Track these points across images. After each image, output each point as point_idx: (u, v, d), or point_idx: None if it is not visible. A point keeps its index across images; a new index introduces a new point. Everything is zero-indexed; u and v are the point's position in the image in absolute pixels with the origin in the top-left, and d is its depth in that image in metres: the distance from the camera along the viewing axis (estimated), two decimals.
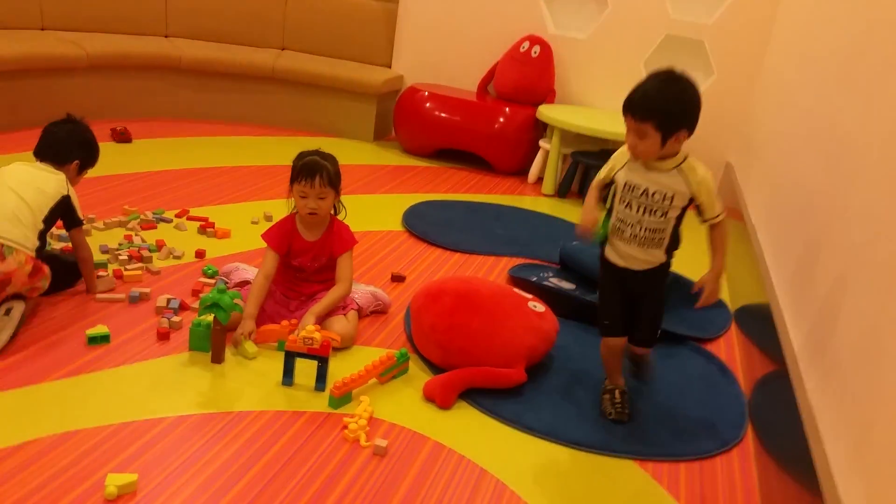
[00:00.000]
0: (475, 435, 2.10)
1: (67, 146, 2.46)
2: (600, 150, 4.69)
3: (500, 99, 4.99)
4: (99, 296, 2.51)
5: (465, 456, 2.00)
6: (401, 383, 2.29)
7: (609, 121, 4.62)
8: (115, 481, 1.65)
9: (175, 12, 5.14)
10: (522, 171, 4.88)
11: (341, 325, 2.43)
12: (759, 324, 2.71)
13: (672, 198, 2.06)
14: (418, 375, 2.34)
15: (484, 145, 4.78)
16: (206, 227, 3.17)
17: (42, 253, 2.31)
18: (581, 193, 4.61)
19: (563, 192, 4.59)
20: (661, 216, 2.09)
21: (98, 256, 2.75)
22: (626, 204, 2.13)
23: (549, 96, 4.98)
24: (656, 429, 2.27)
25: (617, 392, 2.29)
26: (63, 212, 2.38)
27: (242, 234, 3.22)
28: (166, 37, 5.12)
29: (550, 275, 3.26)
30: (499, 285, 2.63)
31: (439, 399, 2.19)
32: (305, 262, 2.50)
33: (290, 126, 5.11)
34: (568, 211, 4.33)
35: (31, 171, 2.37)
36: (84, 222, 2.47)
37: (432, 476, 1.90)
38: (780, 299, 2.52)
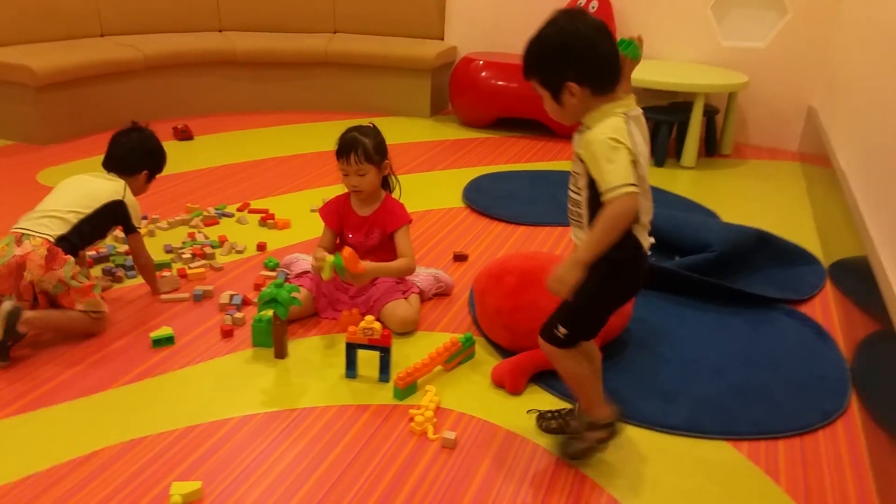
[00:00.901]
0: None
1: (134, 157, 2.47)
2: (670, 104, 4.45)
3: None
4: (164, 296, 2.51)
5: (540, 445, 1.89)
6: (467, 369, 2.19)
7: (677, 72, 4.37)
8: (179, 490, 1.62)
9: (227, 6, 5.13)
10: None
11: (403, 309, 2.35)
12: (858, 280, 2.48)
13: (575, 162, 1.63)
14: (486, 360, 2.24)
15: (544, 110, 4.56)
16: (266, 219, 3.14)
17: (73, 246, 2.24)
18: (652, 152, 4.38)
19: None
20: (575, 184, 1.65)
21: (163, 256, 2.76)
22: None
23: None
24: (749, 404, 2.10)
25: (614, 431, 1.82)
26: (116, 216, 2.36)
27: (302, 223, 3.18)
28: (220, 31, 5.12)
29: None
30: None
31: (509, 384, 2.08)
32: (358, 238, 2.45)
33: (346, 109, 5.05)
34: None
35: (85, 179, 2.39)
36: (139, 229, 2.44)
37: (506, 467, 1.80)
38: (879, 252, 2.29)
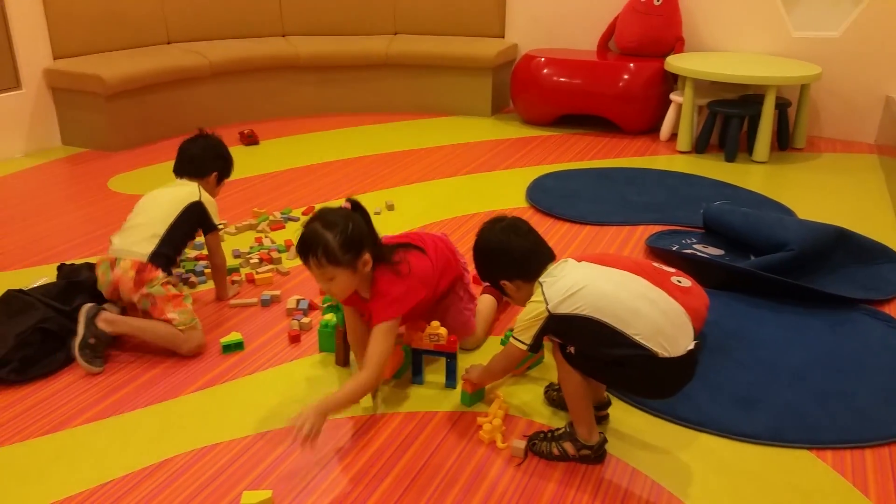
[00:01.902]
0: (623, 430, 1.93)
1: (203, 161, 2.51)
2: (741, 98, 4.30)
3: (623, 55, 4.69)
4: (232, 302, 2.54)
5: (614, 454, 1.83)
6: (536, 375, 2.15)
7: (747, 65, 4.23)
8: (250, 499, 1.63)
9: (290, 10, 5.19)
10: (653, 130, 4.57)
11: (469, 342, 2.26)
12: None
13: None
14: (551, 366, 2.18)
15: (609, 106, 4.50)
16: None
17: (167, 258, 2.29)
18: (721, 146, 4.25)
19: (701, 147, 4.24)
20: None
21: (231, 261, 2.80)
22: None
23: (677, 45, 4.61)
24: (833, 411, 2.00)
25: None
26: (197, 217, 2.39)
27: None
28: (283, 36, 5.19)
29: (694, 241, 3.00)
30: (635, 260, 2.42)
31: None
32: (366, 319, 2.05)
33: (407, 110, 5.05)
34: (708, 167, 3.99)
35: (162, 191, 2.45)
36: (218, 228, 2.48)
37: (578, 478, 1.75)
38: None
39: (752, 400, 2.04)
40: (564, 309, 1.68)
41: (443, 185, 3.65)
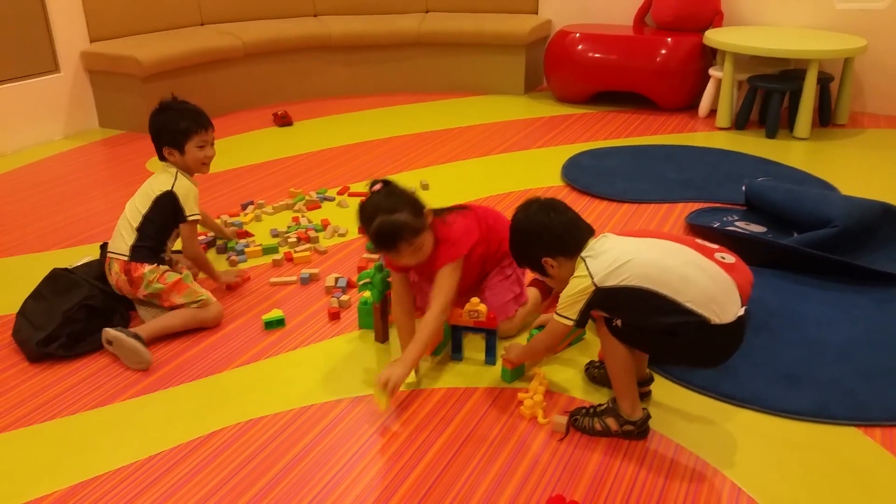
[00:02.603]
0: (666, 406, 1.91)
1: (153, 140, 2.33)
2: (781, 72, 4.21)
3: (660, 29, 4.60)
4: (272, 279, 2.56)
5: (657, 430, 1.82)
6: (576, 352, 2.14)
7: (788, 38, 4.12)
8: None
9: None
10: (692, 106, 4.49)
11: (504, 327, 2.18)
12: None
13: None
14: (594, 342, 2.18)
15: (646, 82, 4.42)
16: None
17: (149, 250, 2.25)
18: (762, 122, 4.16)
19: (741, 122, 4.16)
20: None
21: (269, 241, 2.82)
22: None
23: (716, 19, 4.52)
24: (880, 388, 1.96)
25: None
26: (170, 207, 2.27)
27: None
28: (315, 16, 5.18)
29: (736, 218, 2.95)
30: (676, 236, 2.37)
31: None
32: (412, 277, 2.15)
33: (439, 89, 5.02)
34: (749, 143, 3.92)
35: (144, 184, 2.35)
36: (190, 218, 2.29)
37: (621, 453, 1.75)
38: None
39: (798, 377, 2.01)
40: (611, 281, 1.67)
41: (477, 164, 3.63)
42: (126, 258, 2.24)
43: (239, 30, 4.66)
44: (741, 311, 1.67)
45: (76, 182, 3.56)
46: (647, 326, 1.68)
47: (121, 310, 2.32)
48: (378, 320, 2.19)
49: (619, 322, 1.71)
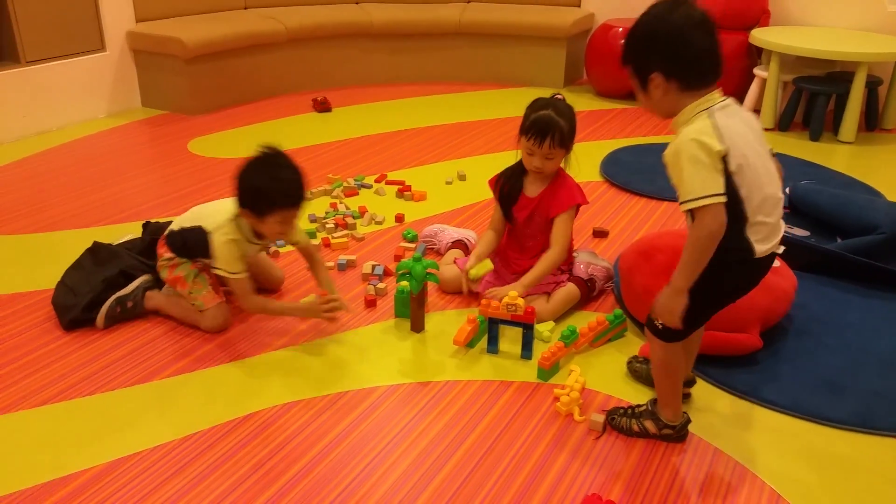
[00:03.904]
0: (705, 409, 1.89)
1: (237, 190, 2.05)
2: (827, 75, 4.12)
3: None
4: None
5: (695, 434, 1.79)
6: (614, 350, 2.12)
7: (836, 39, 4.03)
8: None
9: None
10: None
11: (539, 305, 2.20)
12: None
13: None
14: (632, 341, 2.16)
15: None
16: (403, 191, 3.16)
17: (176, 246, 2.20)
18: (806, 124, 4.09)
19: (784, 124, 4.09)
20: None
21: (307, 226, 2.84)
22: None
23: (762, 18, 4.43)
24: None
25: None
26: (200, 243, 2.11)
27: (438, 195, 3.18)
28: (356, 3, 5.18)
29: None
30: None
31: None
32: (522, 217, 2.28)
33: (478, 80, 5.00)
34: (792, 145, 3.85)
35: (221, 201, 2.20)
36: (229, 275, 2.09)
37: (658, 456, 1.73)
38: None
39: (840, 385, 1.98)
40: (735, 160, 1.41)
41: (515, 156, 3.59)
42: (164, 234, 2.24)
43: (282, 14, 4.68)
44: (780, 248, 1.57)
45: (118, 160, 3.61)
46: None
47: (163, 284, 2.34)
48: (415, 310, 2.19)
49: (661, 324, 1.60)
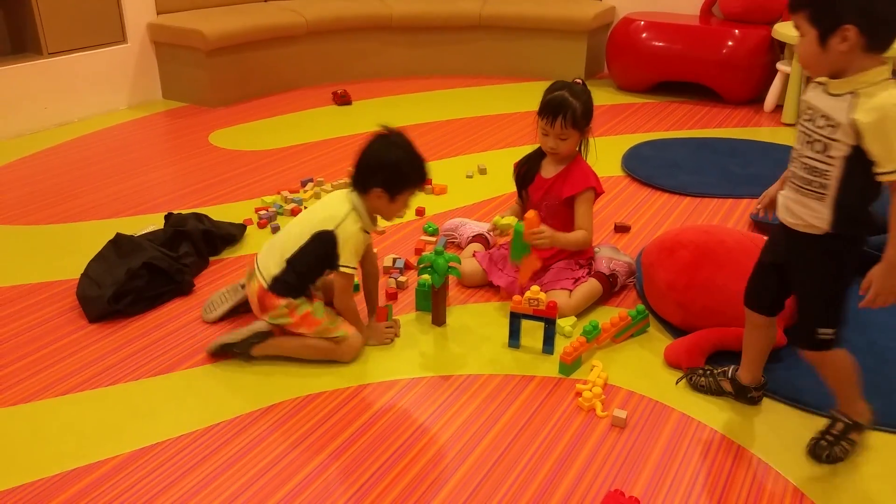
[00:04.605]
0: (729, 407, 1.87)
1: (367, 170, 1.99)
2: None
3: (727, 20, 4.48)
4: None
5: (718, 430, 1.78)
6: (637, 346, 2.11)
7: None
8: None
9: None
10: (757, 100, 4.37)
11: (561, 301, 2.18)
12: None
13: (836, 129, 1.43)
14: (655, 337, 2.15)
15: (711, 73, 4.32)
16: (423, 185, 3.14)
17: (288, 286, 2.00)
18: None
19: None
20: (823, 153, 1.47)
21: None
22: (800, 131, 1.55)
23: (784, 13, 4.37)
24: None
25: (728, 376, 1.87)
26: (325, 248, 1.97)
27: (458, 188, 3.17)
28: None
29: None
30: (744, 234, 2.33)
31: (686, 365, 1.98)
32: (536, 197, 2.32)
33: (498, 74, 4.98)
34: None
35: (316, 205, 2.10)
36: (345, 268, 1.98)
37: (682, 454, 1.72)
38: None
39: (870, 385, 1.94)
40: None
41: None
42: (266, 286, 2.00)
43: (302, 7, 4.68)
44: None
45: (140, 152, 3.63)
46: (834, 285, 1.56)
47: (186, 275, 2.36)
48: (437, 304, 2.19)
49: (827, 333, 1.60)
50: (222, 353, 2.02)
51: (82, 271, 2.32)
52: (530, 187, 2.34)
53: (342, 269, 1.99)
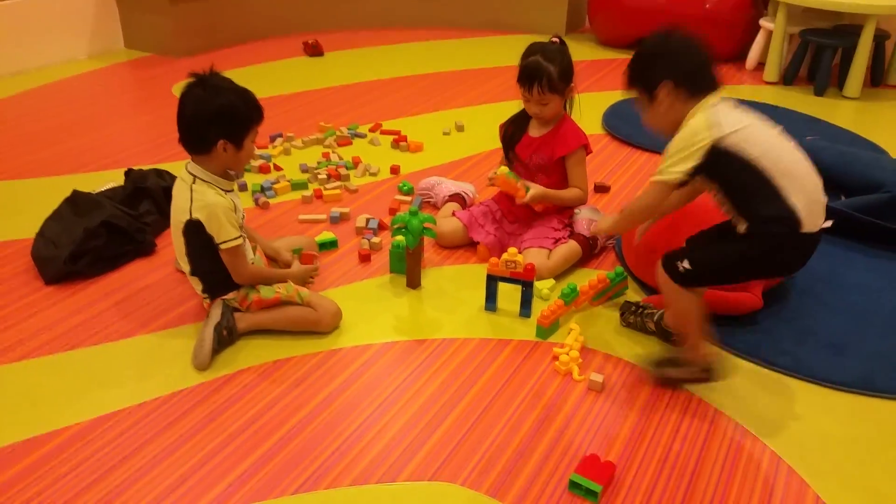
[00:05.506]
0: None
1: (199, 126, 1.79)
2: (834, 27, 4.00)
3: None
4: (301, 216, 2.48)
5: (696, 393, 1.75)
6: (615, 308, 2.06)
7: None
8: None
9: None
10: (739, 57, 4.30)
11: (538, 261, 2.12)
12: None
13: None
14: (632, 299, 2.10)
15: (694, 29, 4.15)
16: (398, 141, 3.06)
17: (222, 289, 1.89)
18: (811, 79, 3.98)
19: (789, 77, 3.99)
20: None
21: (299, 175, 2.74)
22: None
23: None
24: None
25: (653, 318, 1.92)
26: (200, 237, 1.81)
27: (435, 146, 3.08)
28: None
29: None
30: None
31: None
32: (525, 156, 2.28)
33: (478, 26, 4.84)
34: (796, 100, 3.76)
35: (173, 196, 1.88)
36: (229, 241, 1.81)
37: (658, 416, 1.69)
38: None
39: (842, 346, 1.94)
40: (730, 143, 1.55)
41: (514, 107, 3.46)
42: (206, 298, 1.92)
43: None
44: (828, 224, 1.62)
45: (101, 104, 3.48)
46: (712, 238, 1.63)
47: (147, 234, 2.26)
48: (411, 266, 2.12)
49: (685, 265, 1.63)
50: (218, 348, 1.84)
51: (38, 231, 2.21)
52: (517, 146, 2.30)
53: (223, 247, 1.81)
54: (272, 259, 2.09)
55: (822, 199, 1.62)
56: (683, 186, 1.69)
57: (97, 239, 2.14)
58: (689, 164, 1.59)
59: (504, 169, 2.21)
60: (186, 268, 1.90)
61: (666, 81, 1.62)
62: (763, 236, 1.58)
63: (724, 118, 1.57)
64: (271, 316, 1.91)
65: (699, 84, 1.62)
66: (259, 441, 1.58)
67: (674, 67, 1.63)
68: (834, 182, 2.70)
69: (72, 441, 1.57)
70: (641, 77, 1.69)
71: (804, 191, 1.56)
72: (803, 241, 1.60)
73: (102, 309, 2.00)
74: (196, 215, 1.79)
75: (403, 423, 1.64)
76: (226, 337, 1.84)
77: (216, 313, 1.85)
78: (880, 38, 3.92)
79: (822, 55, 3.84)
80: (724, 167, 1.57)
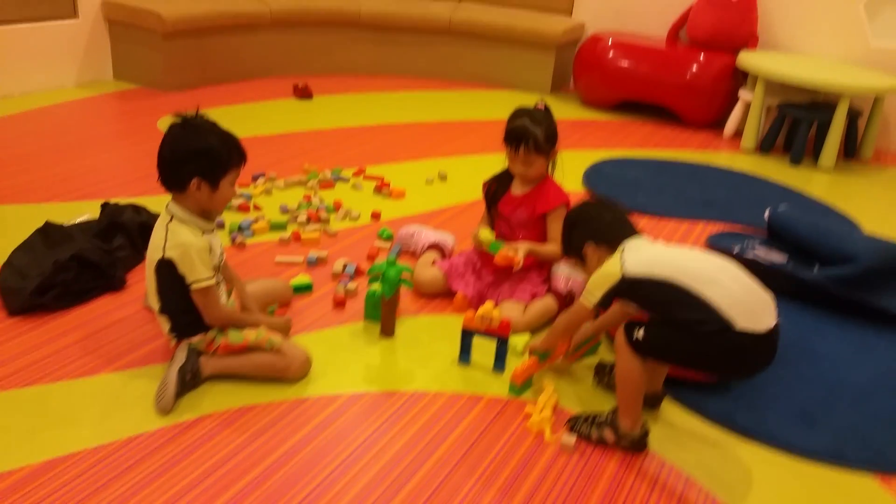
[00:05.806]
0: (678, 436, 1.83)
1: (174, 164, 1.77)
2: (810, 102, 4.11)
3: (693, 45, 4.50)
4: (278, 258, 2.46)
5: (667, 460, 1.73)
6: (590, 369, 2.04)
7: (821, 69, 4.05)
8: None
9: None
10: (717, 125, 4.40)
11: (512, 315, 2.14)
12: None
13: None
14: (605, 357, 2.09)
15: (674, 96, 4.32)
16: (381, 187, 3.06)
17: (191, 331, 1.85)
18: (786, 148, 4.08)
19: (766, 147, 4.08)
20: None
21: (278, 217, 2.72)
22: None
23: (750, 41, 4.41)
24: None
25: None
26: (172, 277, 1.78)
27: (417, 194, 3.08)
28: None
29: (756, 244, 2.86)
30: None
31: None
32: (507, 212, 2.34)
33: (466, 79, 4.91)
34: (772, 169, 3.83)
35: (153, 233, 1.86)
36: (200, 282, 1.78)
37: (629, 483, 1.66)
38: None
39: (814, 416, 1.94)
40: (638, 273, 1.71)
41: (498, 160, 3.49)
42: (173, 339, 1.88)
43: None
44: (773, 323, 1.64)
45: (84, 133, 3.45)
46: (672, 320, 1.66)
47: (119, 270, 2.22)
48: (386, 314, 2.09)
49: (640, 334, 1.66)
50: (181, 392, 1.78)
51: (5, 260, 2.16)
52: (500, 203, 2.36)
53: (194, 287, 1.78)
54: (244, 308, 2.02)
55: (763, 297, 1.67)
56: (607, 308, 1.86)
57: (67, 272, 2.09)
58: (603, 290, 1.76)
59: (486, 234, 2.27)
60: (156, 305, 1.86)
61: (588, 242, 1.86)
62: (700, 335, 1.63)
63: (633, 254, 1.74)
64: (238, 361, 1.86)
65: (616, 235, 1.81)
66: (218, 492, 1.53)
67: (591, 231, 1.87)
68: (807, 252, 2.75)
69: (20, 485, 1.50)
70: (570, 247, 1.95)
71: (729, 292, 1.62)
72: (750, 340, 1.60)
73: (66, 344, 1.95)
74: (169, 254, 1.77)
75: (368, 481, 1.60)
76: (189, 381, 1.79)
77: (181, 356, 1.80)
78: (853, 115, 4.04)
79: (798, 127, 3.94)
80: (639, 289, 1.72)
